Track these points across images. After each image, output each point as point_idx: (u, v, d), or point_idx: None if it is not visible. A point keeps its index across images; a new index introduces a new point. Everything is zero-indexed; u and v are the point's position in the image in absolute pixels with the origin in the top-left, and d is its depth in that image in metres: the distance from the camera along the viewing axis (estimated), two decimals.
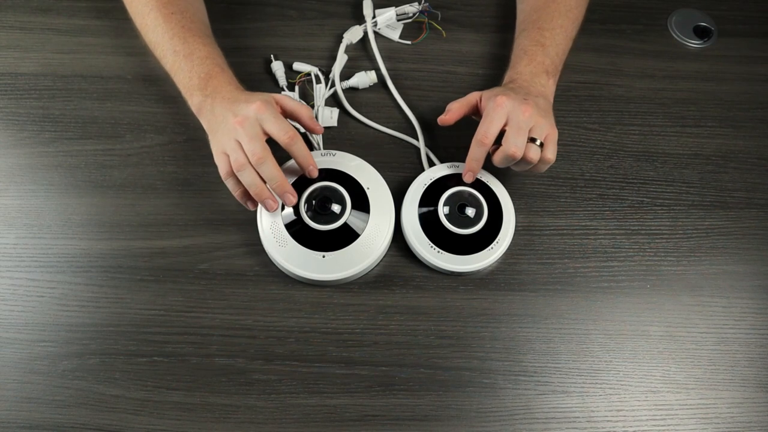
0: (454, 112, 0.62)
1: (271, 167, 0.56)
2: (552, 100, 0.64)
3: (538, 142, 0.58)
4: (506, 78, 0.65)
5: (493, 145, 0.59)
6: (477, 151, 0.59)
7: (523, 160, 0.58)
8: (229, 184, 0.58)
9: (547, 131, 0.58)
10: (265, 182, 0.57)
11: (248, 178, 0.56)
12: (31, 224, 0.62)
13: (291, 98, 0.61)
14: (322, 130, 0.61)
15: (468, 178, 0.62)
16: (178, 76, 0.61)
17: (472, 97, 0.62)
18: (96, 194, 0.64)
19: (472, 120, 0.70)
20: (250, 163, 0.55)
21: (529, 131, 0.57)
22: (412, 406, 0.56)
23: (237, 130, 0.55)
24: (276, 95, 0.60)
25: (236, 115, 0.55)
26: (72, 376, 0.56)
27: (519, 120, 0.57)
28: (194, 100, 0.60)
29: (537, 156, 0.58)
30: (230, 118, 0.56)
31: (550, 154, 0.59)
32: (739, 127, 0.73)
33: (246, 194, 0.58)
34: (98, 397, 0.55)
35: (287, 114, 0.60)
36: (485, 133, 0.58)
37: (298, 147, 0.57)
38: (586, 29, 0.71)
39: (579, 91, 0.73)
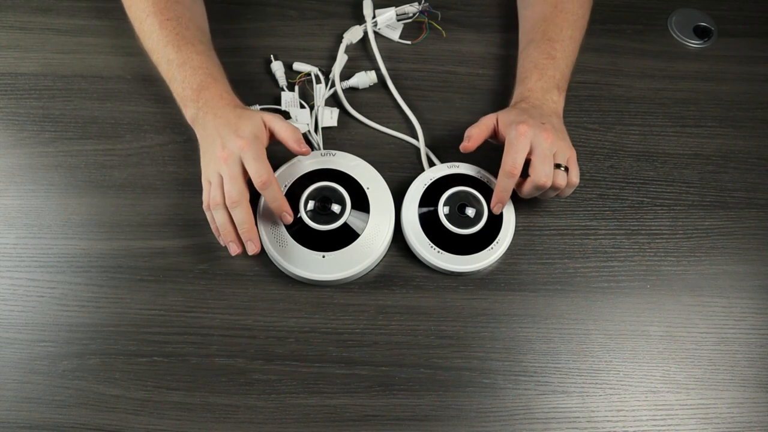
0: (475, 138, 0.61)
1: (241, 212, 0.56)
2: (562, 116, 0.64)
3: (563, 167, 0.58)
4: (516, 94, 0.65)
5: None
6: (507, 183, 0.59)
7: (551, 187, 0.59)
8: (208, 215, 0.59)
9: (568, 154, 0.59)
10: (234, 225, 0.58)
11: (220, 219, 0.58)
12: (31, 224, 0.62)
13: (279, 120, 0.59)
14: (309, 151, 0.60)
15: (497, 210, 0.61)
16: (172, 84, 0.62)
17: (489, 120, 0.62)
18: (96, 194, 0.64)
19: (473, 120, 0.71)
20: (224, 203, 0.57)
21: (553, 157, 0.58)
22: (412, 406, 0.56)
23: (221, 165, 0.56)
24: (266, 117, 0.59)
25: (224, 148, 0.56)
26: (72, 376, 0.56)
27: (543, 148, 0.57)
28: (188, 112, 0.60)
29: (564, 181, 0.59)
30: (218, 149, 0.56)
31: (575, 177, 0.60)
32: (739, 127, 0.73)
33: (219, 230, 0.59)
34: (98, 397, 0.55)
35: (275, 137, 0.60)
36: (513, 164, 0.58)
37: (271, 191, 0.57)
38: (586, 29, 0.71)
39: (579, 91, 0.73)
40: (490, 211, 0.62)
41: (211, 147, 0.58)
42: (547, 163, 0.58)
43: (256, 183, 0.56)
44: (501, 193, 0.60)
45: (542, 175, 0.57)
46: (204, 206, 0.59)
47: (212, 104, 0.59)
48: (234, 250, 0.58)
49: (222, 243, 0.59)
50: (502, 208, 0.61)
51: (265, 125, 0.59)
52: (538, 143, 0.58)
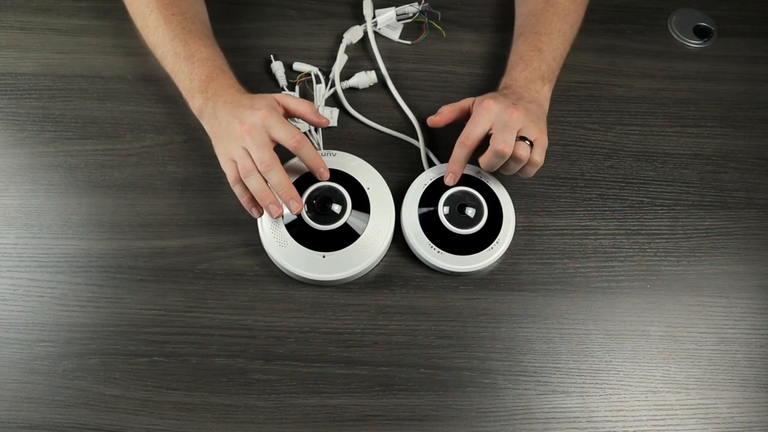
0: (444, 115, 0.63)
1: (279, 174, 0.56)
2: (546, 107, 0.63)
3: (527, 141, 0.57)
4: (501, 84, 0.65)
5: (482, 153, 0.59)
6: (458, 153, 0.60)
7: (513, 158, 0.57)
8: (237, 190, 0.58)
9: (536, 135, 0.58)
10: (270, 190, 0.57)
11: (255, 184, 0.56)
12: (31, 224, 0.62)
13: (292, 96, 0.61)
14: (328, 122, 0.61)
15: (449, 180, 0.62)
16: (178, 78, 0.61)
17: (465, 102, 0.63)
18: (96, 194, 0.64)
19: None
20: (257, 169, 0.56)
21: (518, 131, 0.57)
22: (412, 406, 0.56)
23: (245, 138, 0.56)
24: (277, 96, 0.60)
25: (243, 123, 0.56)
26: (72, 376, 0.56)
27: (505, 120, 0.57)
28: (195, 103, 0.60)
29: (526, 153, 0.57)
30: (237, 126, 0.56)
31: (537, 156, 0.58)
32: (739, 127, 0.73)
33: (252, 200, 0.59)
34: (98, 397, 0.55)
35: (290, 113, 0.61)
36: (468, 134, 0.59)
37: (307, 150, 0.57)
38: (586, 29, 0.71)
39: (579, 91, 0.73)
40: (490, 211, 0.61)
41: (227, 129, 0.57)
42: (508, 131, 0.57)
43: (291, 144, 0.56)
44: (453, 163, 0.61)
45: (500, 141, 0.56)
46: (231, 181, 0.58)
47: (221, 93, 0.59)
48: (275, 211, 0.57)
49: (255, 214, 0.59)
50: (455, 179, 0.61)
51: (279, 103, 0.59)
52: (500, 117, 0.57)
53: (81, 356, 0.57)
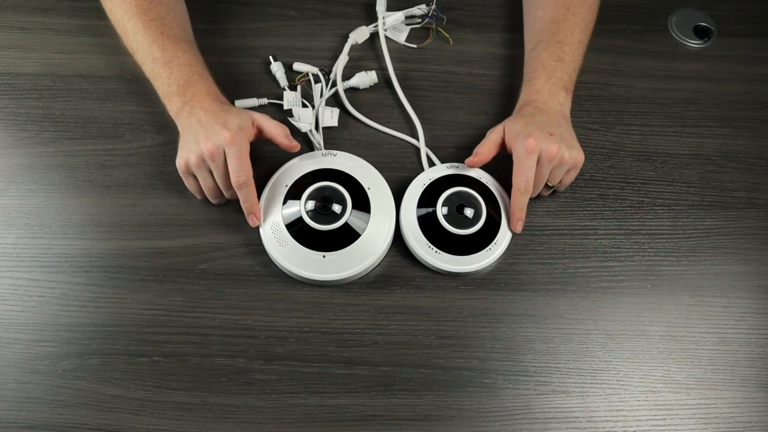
0: (482, 155, 0.62)
1: (245, 193, 0.58)
2: (569, 117, 0.64)
3: (551, 186, 0.63)
4: (523, 96, 0.65)
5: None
6: (522, 200, 0.60)
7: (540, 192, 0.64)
8: (185, 177, 0.61)
9: (575, 157, 0.60)
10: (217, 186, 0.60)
11: (205, 182, 0.60)
12: (31, 224, 0.62)
13: (268, 118, 0.61)
14: (298, 147, 0.62)
15: (518, 228, 0.62)
16: (157, 82, 0.62)
17: (496, 135, 0.62)
18: (96, 194, 0.64)
19: (473, 120, 0.71)
20: (205, 163, 0.58)
21: (555, 167, 0.60)
22: (412, 406, 0.56)
23: (206, 160, 0.57)
24: (255, 115, 0.60)
25: (207, 140, 0.57)
26: (72, 376, 0.56)
27: (543, 165, 0.59)
28: (173, 106, 0.61)
29: (547, 193, 0.65)
30: (201, 141, 0.57)
31: (569, 179, 0.63)
32: (739, 127, 0.72)
33: (200, 188, 0.61)
34: (98, 397, 0.55)
35: (264, 134, 0.61)
36: (527, 182, 0.59)
37: (245, 191, 0.58)
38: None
39: (579, 91, 0.73)
40: (489, 212, 0.61)
41: (195, 134, 0.58)
42: (540, 179, 0.60)
43: (233, 180, 0.57)
44: (518, 211, 0.61)
45: (525, 183, 0.59)
46: (182, 170, 0.60)
47: (199, 98, 0.60)
48: (220, 202, 0.62)
49: (253, 222, 0.61)
50: (522, 225, 0.62)
51: (253, 122, 0.60)
52: (542, 158, 0.59)
53: (81, 356, 0.57)
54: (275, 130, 0.60)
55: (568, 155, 0.59)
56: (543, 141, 0.58)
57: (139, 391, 0.55)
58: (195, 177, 0.60)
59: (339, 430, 0.55)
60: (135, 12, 0.63)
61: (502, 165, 0.66)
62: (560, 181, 0.62)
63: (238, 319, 0.59)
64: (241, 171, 0.57)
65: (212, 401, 0.55)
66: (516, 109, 0.65)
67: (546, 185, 0.62)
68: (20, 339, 0.57)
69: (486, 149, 0.62)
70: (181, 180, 0.65)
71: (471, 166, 0.63)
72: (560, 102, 0.63)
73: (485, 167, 0.65)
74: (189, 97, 0.60)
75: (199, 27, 0.68)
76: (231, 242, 0.62)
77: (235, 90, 0.69)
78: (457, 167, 0.65)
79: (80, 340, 0.57)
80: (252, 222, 0.60)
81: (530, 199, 0.61)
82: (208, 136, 0.57)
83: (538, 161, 0.59)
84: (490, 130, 0.63)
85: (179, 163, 0.59)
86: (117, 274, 0.60)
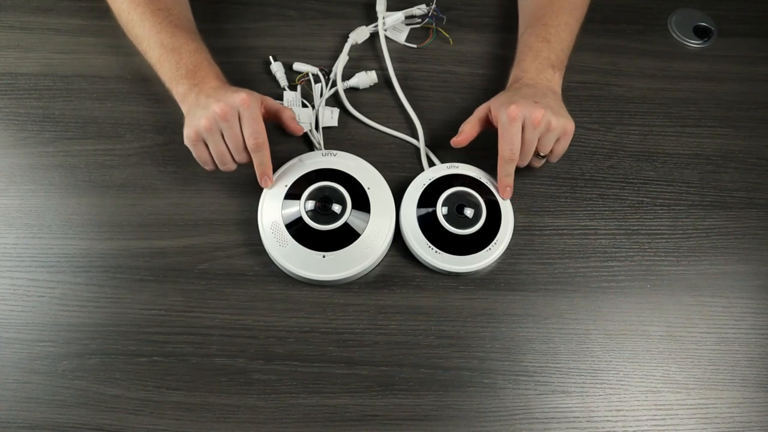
0: (467, 133, 0.62)
1: (260, 156, 0.59)
2: (560, 92, 0.64)
3: (542, 156, 0.61)
4: (512, 76, 0.65)
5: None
6: (509, 168, 0.61)
7: (530, 162, 0.62)
8: (196, 146, 0.59)
9: (564, 124, 0.60)
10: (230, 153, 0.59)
11: (215, 146, 0.58)
12: (31, 224, 0.62)
13: (274, 100, 0.62)
14: (303, 130, 0.63)
15: (507, 194, 0.62)
16: (163, 67, 0.62)
17: (481, 112, 0.63)
18: (96, 194, 0.64)
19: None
20: (217, 125, 0.57)
21: (543, 134, 0.59)
22: (412, 406, 0.56)
23: (215, 114, 0.56)
24: (263, 96, 0.61)
25: (219, 101, 0.57)
26: (72, 376, 0.56)
27: (533, 122, 0.58)
28: (180, 89, 0.60)
29: (539, 164, 0.64)
30: (213, 105, 0.57)
31: (561, 148, 0.62)
32: (739, 127, 0.72)
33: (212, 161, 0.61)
34: (98, 397, 0.55)
35: (270, 113, 0.61)
36: (511, 150, 0.59)
37: (261, 154, 0.59)
38: (586, 29, 0.71)
39: (579, 91, 0.73)
40: (488, 211, 0.61)
41: (205, 105, 0.57)
42: (527, 146, 0.59)
43: (250, 142, 0.57)
44: (505, 178, 0.61)
45: (509, 151, 0.59)
46: (193, 139, 0.58)
47: (209, 80, 0.60)
48: (231, 168, 0.61)
49: (209, 167, 0.61)
50: (511, 192, 0.62)
51: (262, 102, 0.60)
52: (527, 124, 0.58)
53: (81, 356, 0.57)
54: (285, 112, 0.61)
55: (556, 122, 0.59)
56: (527, 108, 0.58)
57: (138, 391, 0.55)
58: (205, 145, 0.59)
59: (339, 430, 0.55)
60: (142, 1, 0.64)
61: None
62: (551, 151, 0.62)
63: (238, 319, 0.59)
64: (258, 133, 0.57)
65: (212, 401, 0.55)
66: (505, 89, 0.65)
67: (537, 155, 0.62)
68: (20, 339, 0.57)
69: (470, 126, 0.62)
70: (181, 180, 0.65)
71: (456, 146, 0.63)
72: (548, 78, 0.63)
73: (485, 167, 0.65)
74: (198, 80, 0.60)
75: (199, 27, 0.68)
76: (231, 242, 0.62)
77: None
78: (457, 167, 0.65)
79: (80, 340, 0.57)
80: (265, 184, 0.61)
81: (524, 170, 0.61)
82: (220, 99, 0.57)
83: (524, 128, 0.59)
84: (476, 109, 0.63)
85: (188, 132, 0.58)
86: (117, 274, 0.60)
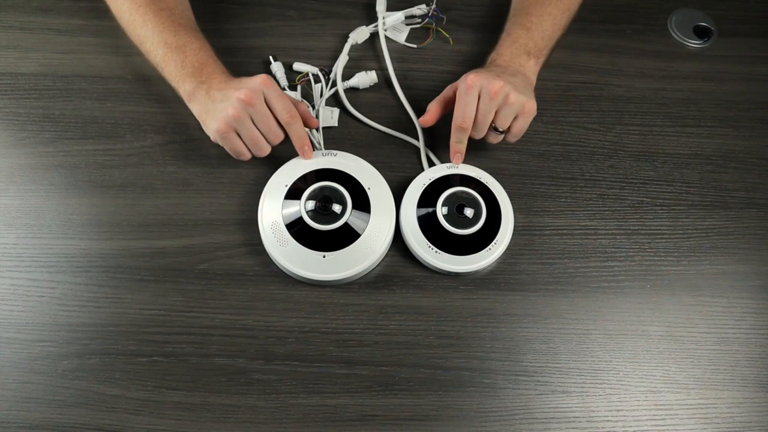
0: (433, 111, 0.64)
1: (300, 126, 0.59)
2: (533, 79, 0.64)
3: (500, 131, 0.61)
4: (488, 60, 0.66)
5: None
6: (460, 136, 0.62)
7: (485, 135, 0.62)
8: (228, 138, 0.59)
9: (523, 102, 0.59)
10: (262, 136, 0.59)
11: (247, 132, 0.59)
12: (31, 224, 0.62)
13: (287, 93, 0.63)
14: (318, 123, 0.63)
15: (457, 160, 0.63)
16: (168, 66, 0.62)
17: (448, 90, 0.64)
18: (96, 194, 0.64)
19: None
20: (246, 110, 0.57)
21: (505, 100, 0.59)
22: (412, 406, 0.56)
23: (240, 102, 0.56)
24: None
25: (239, 89, 0.57)
26: (72, 376, 0.56)
27: (490, 91, 0.58)
28: (186, 87, 0.60)
29: (496, 140, 0.63)
30: (232, 93, 0.57)
31: (518, 128, 0.61)
32: (739, 127, 0.72)
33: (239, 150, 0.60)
34: (98, 397, 0.55)
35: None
36: (463, 117, 0.60)
37: (297, 126, 0.59)
38: (586, 29, 0.71)
39: (579, 91, 0.73)
40: (488, 211, 0.61)
41: (222, 100, 0.58)
42: (482, 116, 0.59)
43: (284, 118, 0.58)
44: (456, 144, 0.62)
45: (461, 119, 0.59)
46: (223, 129, 0.58)
47: (215, 77, 0.60)
48: (264, 151, 0.61)
49: (308, 155, 0.61)
50: (462, 158, 0.63)
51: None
52: (486, 90, 0.58)
53: (81, 356, 0.57)
54: (299, 106, 0.61)
55: (515, 97, 0.59)
56: (485, 79, 0.58)
57: (139, 391, 0.55)
58: (236, 135, 0.59)
59: (339, 430, 0.55)
60: (144, 2, 0.64)
61: (502, 164, 0.67)
62: (510, 130, 0.62)
63: (238, 319, 0.59)
64: (289, 107, 0.58)
65: (212, 401, 0.55)
66: None
67: (495, 129, 0.62)
68: (20, 339, 0.57)
69: (436, 104, 0.64)
70: (181, 180, 0.65)
71: (423, 125, 0.64)
72: (521, 63, 0.64)
73: (485, 167, 0.65)
74: (205, 77, 0.60)
75: (200, 27, 0.68)
76: (231, 242, 0.62)
77: None
78: (457, 167, 0.65)
79: (80, 340, 0.57)
80: (307, 155, 0.61)
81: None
82: (240, 87, 0.57)
83: (480, 98, 0.59)
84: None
85: (217, 126, 0.58)
86: (117, 274, 0.60)
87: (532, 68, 0.65)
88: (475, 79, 0.58)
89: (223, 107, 0.57)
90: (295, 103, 0.61)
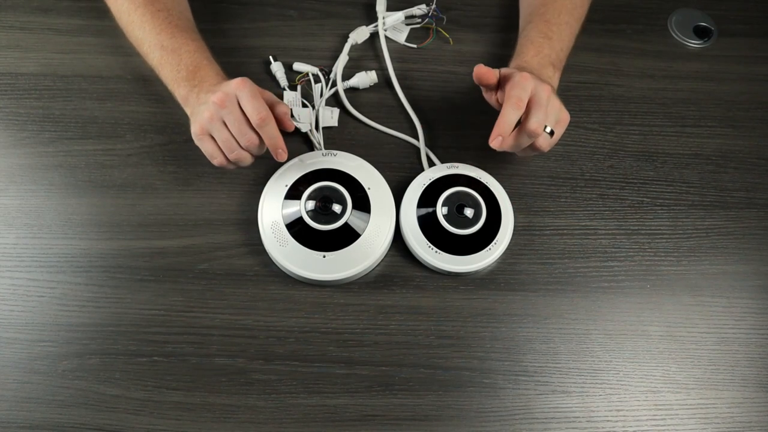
0: (493, 71, 0.60)
1: (270, 129, 0.57)
2: (556, 90, 0.64)
3: (548, 129, 0.58)
4: (513, 66, 0.65)
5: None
6: (512, 114, 0.56)
7: (532, 146, 0.58)
8: (203, 140, 0.58)
9: (561, 115, 0.59)
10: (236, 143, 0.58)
11: (220, 134, 0.57)
12: (31, 224, 0.62)
13: (272, 94, 0.61)
14: (293, 127, 0.61)
15: (497, 144, 0.57)
16: (165, 69, 0.62)
17: (496, 71, 0.60)
18: (96, 194, 0.64)
19: (473, 120, 0.71)
20: (219, 113, 0.56)
21: (550, 109, 0.57)
22: (412, 406, 0.56)
23: (214, 104, 0.56)
24: (260, 88, 0.59)
25: (215, 93, 0.56)
26: (72, 376, 0.56)
27: (541, 96, 0.57)
28: (181, 91, 0.61)
29: (546, 144, 0.58)
30: (210, 98, 0.56)
31: (556, 137, 0.59)
32: (739, 127, 0.72)
33: (219, 151, 0.59)
34: (98, 397, 0.55)
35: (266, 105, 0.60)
36: (519, 97, 0.56)
37: (269, 129, 0.57)
38: (586, 29, 0.71)
39: (579, 91, 0.73)
40: (488, 211, 0.61)
41: (204, 100, 0.57)
42: (541, 112, 0.56)
43: (254, 119, 0.56)
44: (504, 125, 0.56)
45: (534, 122, 0.56)
46: (198, 132, 0.58)
47: (209, 80, 0.60)
48: (246, 159, 0.59)
49: (219, 161, 0.59)
50: (502, 142, 0.57)
51: (261, 93, 0.59)
52: (538, 91, 0.57)
53: (81, 356, 0.57)
54: (278, 107, 0.59)
55: (558, 103, 0.58)
56: (537, 79, 0.57)
57: (139, 391, 0.55)
58: (211, 138, 0.58)
59: (339, 430, 0.55)
60: (142, 2, 0.64)
61: (502, 164, 0.67)
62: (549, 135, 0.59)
63: (238, 319, 0.59)
64: (259, 108, 0.56)
65: (212, 401, 0.55)
66: None
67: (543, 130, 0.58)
68: (20, 339, 0.57)
69: (487, 69, 0.59)
70: (181, 180, 0.65)
71: (480, 76, 0.59)
72: (548, 75, 0.63)
73: (485, 167, 0.65)
74: (198, 81, 0.60)
75: (199, 27, 0.68)
76: (231, 242, 0.62)
77: None
78: (457, 167, 0.65)
79: (80, 340, 0.57)
80: (280, 157, 0.59)
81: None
82: (216, 91, 0.57)
83: (533, 98, 0.56)
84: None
85: (194, 129, 0.58)
86: (117, 274, 0.60)
87: (556, 82, 0.64)
88: (529, 75, 0.57)
89: (200, 111, 0.57)
90: (272, 104, 0.59)
